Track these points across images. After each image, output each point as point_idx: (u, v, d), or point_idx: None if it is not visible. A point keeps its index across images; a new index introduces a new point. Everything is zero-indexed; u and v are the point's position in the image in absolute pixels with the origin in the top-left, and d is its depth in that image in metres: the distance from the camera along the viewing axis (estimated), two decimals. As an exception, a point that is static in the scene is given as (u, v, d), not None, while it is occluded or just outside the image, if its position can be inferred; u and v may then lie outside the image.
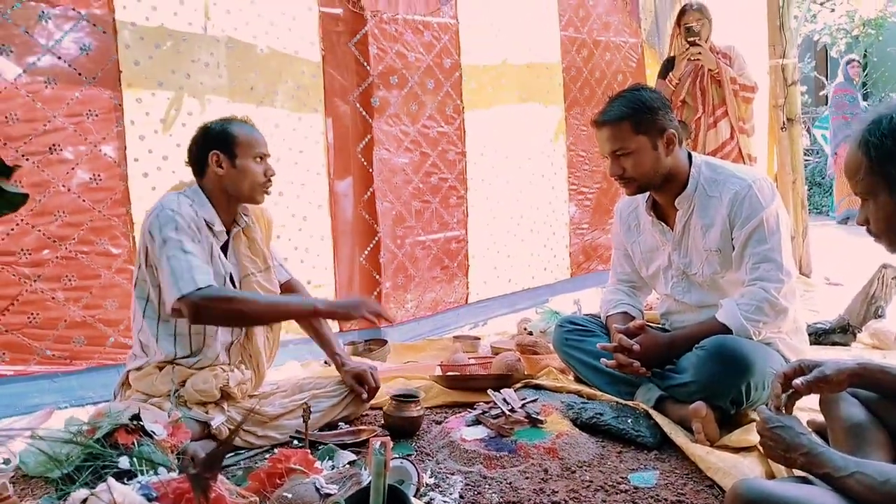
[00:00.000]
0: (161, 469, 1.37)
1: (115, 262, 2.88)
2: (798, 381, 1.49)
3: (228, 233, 2.26)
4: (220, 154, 2.19)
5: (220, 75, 3.14)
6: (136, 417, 1.54)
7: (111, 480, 1.11)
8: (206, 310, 2.00)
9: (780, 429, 1.42)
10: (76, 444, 1.46)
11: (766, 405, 1.51)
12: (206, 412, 2.13)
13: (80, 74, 2.79)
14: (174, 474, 1.31)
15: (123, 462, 1.42)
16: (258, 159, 2.22)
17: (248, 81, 3.23)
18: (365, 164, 3.63)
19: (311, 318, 2.38)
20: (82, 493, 1.11)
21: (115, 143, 2.88)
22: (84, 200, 2.81)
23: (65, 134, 2.76)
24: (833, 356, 2.83)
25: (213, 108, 3.10)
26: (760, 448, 1.85)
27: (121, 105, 2.88)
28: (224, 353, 2.27)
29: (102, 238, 2.85)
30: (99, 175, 2.84)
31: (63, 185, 2.77)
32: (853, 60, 9.02)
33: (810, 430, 1.64)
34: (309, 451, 1.76)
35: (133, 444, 1.48)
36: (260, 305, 2.13)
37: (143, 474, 1.34)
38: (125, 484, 1.21)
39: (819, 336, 3.23)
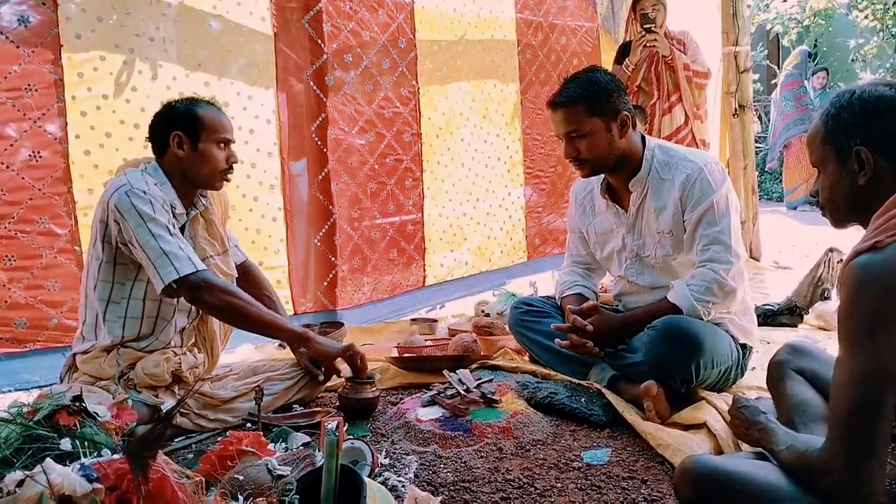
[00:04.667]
0: (105, 451, 1.33)
1: (57, 242, 2.78)
2: None
3: (187, 214, 2.20)
4: (183, 135, 2.12)
5: (166, 50, 3.05)
6: (78, 399, 1.50)
7: (49, 462, 1.07)
8: (208, 294, 2.02)
9: (744, 408, 1.51)
10: (14, 425, 1.40)
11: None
12: (157, 396, 2.08)
13: (18, 47, 2.68)
14: (118, 456, 1.27)
15: (65, 444, 1.38)
16: (221, 145, 2.16)
17: (196, 58, 3.14)
18: (319, 143, 3.57)
19: (297, 341, 2.27)
20: (17, 475, 1.07)
21: (56, 120, 2.77)
22: (24, 178, 2.71)
23: (2, 109, 2.65)
24: (781, 336, 2.91)
25: (159, 83, 3.01)
26: (710, 426, 1.90)
27: (62, 80, 2.77)
28: (178, 337, 2.22)
29: (43, 217, 2.75)
30: (39, 152, 2.74)
31: (1, 162, 2.66)
32: (821, 70, 9.17)
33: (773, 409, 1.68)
34: (262, 433, 1.73)
35: (75, 425, 1.44)
36: (257, 313, 2.13)
37: (85, 456, 1.30)
38: (66, 466, 1.17)
39: (767, 317, 3.31)
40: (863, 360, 1.14)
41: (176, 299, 2.16)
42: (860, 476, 1.13)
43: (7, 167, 2.67)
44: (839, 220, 1.36)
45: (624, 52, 4.33)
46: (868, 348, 1.13)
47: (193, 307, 2.23)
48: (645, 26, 4.12)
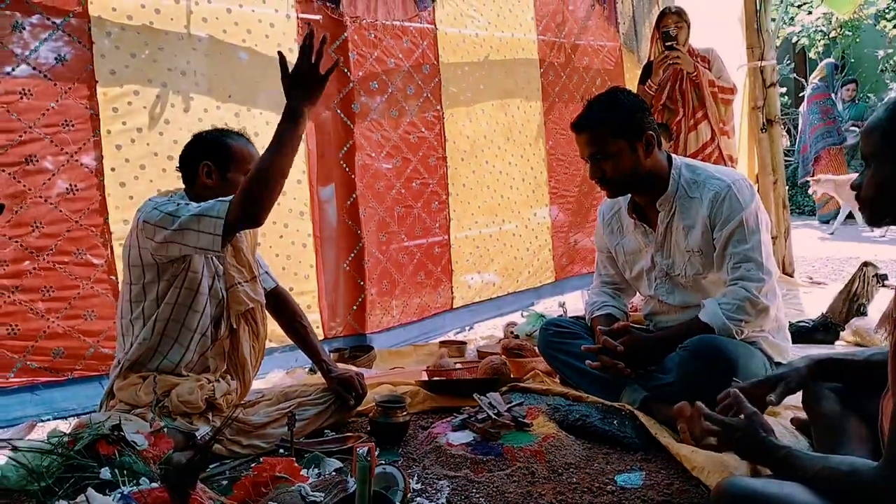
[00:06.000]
0: (143, 479, 1.35)
1: (94, 273, 2.85)
2: (771, 397, 1.51)
3: None
4: (211, 165, 2.16)
5: (197, 83, 3.13)
6: (117, 428, 1.53)
7: (90, 491, 1.09)
8: (247, 205, 1.90)
9: (744, 436, 1.44)
10: (56, 456, 1.44)
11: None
12: (192, 423, 2.11)
13: (55, 84, 2.76)
14: (156, 484, 1.29)
15: (104, 473, 1.40)
16: None
17: (226, 89, 3.22)
18: (347, 169, 3.62)
19: (303, 122, 1.95)
20: (61, 505, 1.10)
21: (92, 153, 2.85)
22: (61, 211, 2.78)
23: (41, 144, 2.74)
24: (817, 354, 2.85)
25: (191, 116, 3.08)
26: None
27: (97, 115, 2.85)
28: (197, 356, 2.23)
29: (80, 248, 2.82)
30: (76, 185, 2.82)
31: (40, 196, 2.74)
32: (850, 82, 9.12)
33: (765, 422, 1.61)
34: (294, 459, 1.75)
35: (114, 454, 1.46)
36: (266, 159, 1.91)
37: (124, 485, 1.32)
38: (106, 495, 1.20)
39: (802, 334, 3.25)
40: None
41: (213, 282, 2.19)
42: None
43: (45, 200, 2.75)
44: (878, 219, 1.31)
45: (647, 72, 4.32)
46: None
47: (211, 327, 2.25)
48: (667, 44, 4.11)
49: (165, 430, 1.76)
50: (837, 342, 3.28)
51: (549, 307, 4.09)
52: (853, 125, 8.91)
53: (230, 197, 1.98)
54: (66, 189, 2.80)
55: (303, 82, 1.91)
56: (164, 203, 2.06)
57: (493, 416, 2.14)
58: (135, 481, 1.36)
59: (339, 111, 3.60)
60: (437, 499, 1.78)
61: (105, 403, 2.20)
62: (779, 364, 2.25)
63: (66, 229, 2.79)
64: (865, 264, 3.43)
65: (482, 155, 4.28)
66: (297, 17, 3.44)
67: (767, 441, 1.39)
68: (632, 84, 4.72)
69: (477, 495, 1.80)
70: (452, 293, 4.13)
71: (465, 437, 2.09)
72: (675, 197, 2.29)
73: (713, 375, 2.04)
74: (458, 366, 3.00)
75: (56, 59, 2.77)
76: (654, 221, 2.37)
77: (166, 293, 2.15)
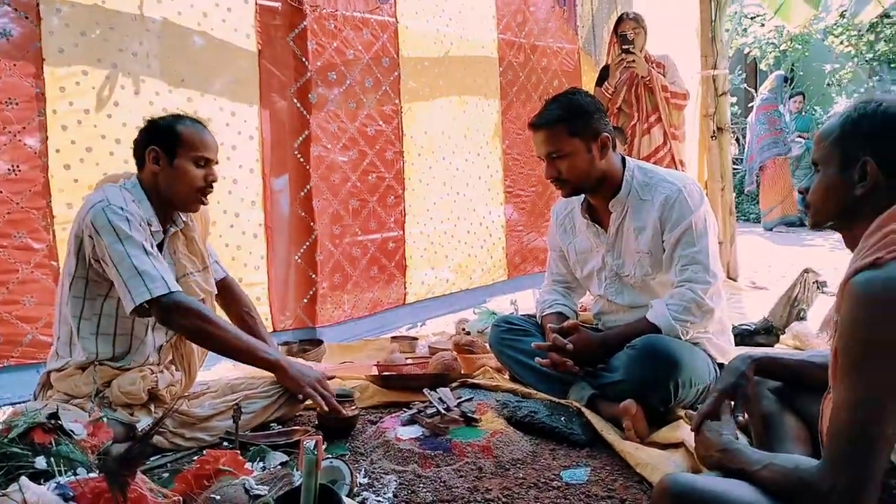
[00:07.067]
0: (80, 469, 1.31)
1: (34, 257, 2.75)
2: (739, 417, 1.57)
3: (165, 232, 2.18)
4: (159, 150, 2.10)
5: (149, 65, 3.04)
6: (54, 416, 1.48)
7: (24, 480, 1.06)
8: (178, 316, 1.99)
9: (708, 432, 1.49)
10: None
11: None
12: (133, 414, 2.06)
13: (-1, 61, 2.66)
14: (94, 474, 1.25)
15: (40, 462, 1.36)
16: (200, 163, 2.13)
17: (179, 73, 3.14)
18: (302, 160, 3.58)
19: (268, 370, 2.21)
20: (-8, 494, 1.05)
21: (36, 133, 2.75)
22: (1, 192, 2.68)
23: (-18, 122, 2.63)
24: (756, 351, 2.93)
25: (142, 99, 3.00)
26: (688, 446, 1.91)
27: (43, 94, 2.75)
28: (155, 354, 2.20)
29: (21, 231, 2.72)
30: (18, 166, 2.71)
31: (-21, 176, 2.63)
32: (797, 94, 9.43)
33: (735, 431, 1.69)
34: (239, 452, 1.72)
35: (50, 443, 1.42)
36: (230, 337, 2.10)
37: (61, 474, 1.28)
38: (41, 485, 1.16)
39: (744, 337, 3.34)
40: (865, 378, 1.13)
41: (150, 318, 2.14)
42: (858, 498, 1.12)
43: (-16, 181, 2.65)
44: (819, 222, 1.37)
45: (604, 75, 4.40)
46: (871, 366, 1.12)
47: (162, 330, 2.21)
48: (624, 47, 4.19)
49: (105, 420, 1.71)
50: (778, 345, 3.38)
51: (501, 305, 4.11)
52: (799, 136, 9.19)
53: (177, 290, 2.01)
54: (8, 170, 2.70)
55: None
56: (116, 214, 1.98)
57: (443, 412, 2.14)
58: (72, 471, 1.32)
59: (295, 101, 3.55)
60: (384, 493, 1.77)
61: (42, 393, 2.13)
62: (721, 365, 2.31)
63: (7, 211, 2.69)
64: (806, 271, 3.53)
65: (439, 151, 4.28)
66: (256, 3, 3.38)
67: (725, 437, 1.45)
68: (589, 87, 4.78)
69: (424, 490, 1.80)
70: (405, 289, 4.12)
71: (414, 431, 2.09)
72: (627, 199, 2.33)
73: (658, 374, 2.09)
74: (409, 361, 3.00)
75: (1, 34, 2.66)
76: (607, 222, 2.40)
77: (104, 302, 2.10)
